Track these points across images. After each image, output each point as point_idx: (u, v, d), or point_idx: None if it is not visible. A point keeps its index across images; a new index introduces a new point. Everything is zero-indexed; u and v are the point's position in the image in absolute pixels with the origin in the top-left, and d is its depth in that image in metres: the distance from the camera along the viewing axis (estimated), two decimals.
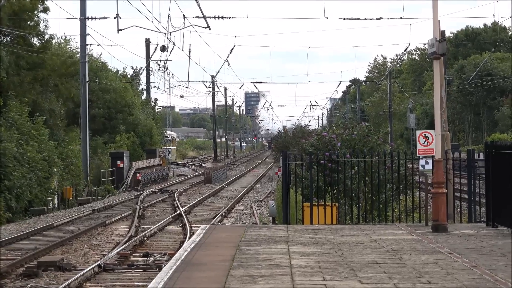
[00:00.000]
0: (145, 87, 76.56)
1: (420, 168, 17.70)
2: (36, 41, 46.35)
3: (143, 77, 76.01)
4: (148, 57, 71.74)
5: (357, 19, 45.74)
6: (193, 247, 14.30)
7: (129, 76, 75.16)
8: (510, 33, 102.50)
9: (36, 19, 45.68)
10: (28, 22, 44.98)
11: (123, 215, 34.50)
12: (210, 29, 44.52)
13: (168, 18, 46.74)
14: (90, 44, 51.12)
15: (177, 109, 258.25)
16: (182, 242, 23.01)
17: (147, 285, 12.67)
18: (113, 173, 54.21)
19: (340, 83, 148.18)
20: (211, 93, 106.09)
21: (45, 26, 46.48)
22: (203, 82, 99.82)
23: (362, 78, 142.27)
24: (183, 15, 53.41)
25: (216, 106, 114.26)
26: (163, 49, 56.49)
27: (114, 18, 46.14)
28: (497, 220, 16.75)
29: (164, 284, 10.79)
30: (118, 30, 46.83)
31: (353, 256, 12.90)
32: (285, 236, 15.65)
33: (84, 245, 25.11)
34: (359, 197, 19.90)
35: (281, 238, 15.34)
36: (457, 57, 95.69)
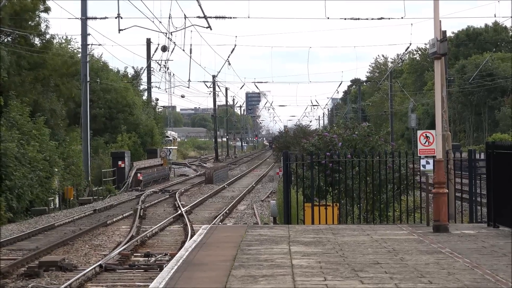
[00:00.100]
0: (146, 87, 76.57)
1: (421, 168, 17.70)
2: (37, 41, 46.38)
3: (144, 77, 76.09)
4: (149, 57, 71.75)
5: (358, 19, 45.78)
6: (194, 247, 14.30)
7: (130, 76, 75.14)
8: (511, 33, 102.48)
9: (37, 19, 45.71)
10: (29, 22, 45.01)
11: (124, 215, 34.51)
12: (211, 29, 44.56)
13: (169, 18, 46.85)
14: (91, 44, 51.18)
15: (178, 109, 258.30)
16: (183, 242, 23.02)
17: (148, 285, 12.67)
18: (114, 173, 54.22)
19: (341, 83, 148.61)
20: (212, 93, 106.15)
21: (46, 26, 46.54)
22: (204, 82, 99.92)
23: (363, 78, 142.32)
24: (184, 15, 53.39)
25: (217, 106, 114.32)
26: (164, 49, 56.50)
27: (115, 18, 46.23)
28: (498, 220, 16.75)
29: (165, 284, 10.80)
30: (119, 30, 46.89)
31: (354, 256, 12.90)
32: (286, 236, 15.65)
33: (85, 245, 25.12)
34: (360, 197, 19.90)
35: (282, 238, 15.34)
36: (458, 57, 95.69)
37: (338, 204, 19.83)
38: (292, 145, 59.48)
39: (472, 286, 10.24)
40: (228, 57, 66.20)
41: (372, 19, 46.22)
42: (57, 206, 41.21)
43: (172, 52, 71.71)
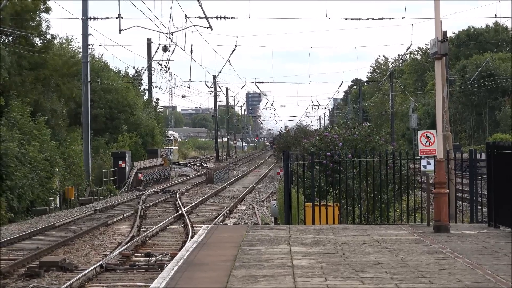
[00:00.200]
0: (147, 87, 76.58)
1: (422, 168, 17.69)
2: (38, 41, 46.42)
3: (144, 77, 76.10)
4: (150, 57, 71.77)
5: (359, 19, 45.80)
6: (195, 247, 14.30)
7: (131, 76, 75.17)
8: (511, 34, 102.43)
9: (38, 19, 45.76)
10: (30, 22, 45.05)
11: (125, 215, 34.51)
12: (212, 29, 44.57)
13: (170, 18, 46.74)
14: (92, 44, 51.21)
15: (179, 109, 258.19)
16: (184, 242, 23.01)
17: (149, 285, 12.68)
18: (115, 173, 54.23)
19: (342, 83, 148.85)
20: (213, 93, 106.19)
21: (47, 26, 46.58)
22: (205, 82, 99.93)
23: (364, 78, 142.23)
24: (185, 15, 53.49)
25: (218, 106, 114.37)
26: (165, 49, 56.52)
27: (116, 18, 46.24)
28: (499, 220, 16.75)
29: (166, 284, 10.80)
30: (120, 30, 46.92)
31: (355, 256, 12.90)
32: (287, 236, 15.65)
33: (86, 245, 25.12)
34: (361, 197, 19.89)
35: (283, 238, 15.34)
36: (459, 57, 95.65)
37: (338, 204, 19.83)
38: (293, 145, 59.53)
39: (472, 287, 10.24)
40: (229, 57, 66.29)
41: (373, 19, 46.27)
42: (58, 206, 41.23)
43: (173, 52, 71.74)
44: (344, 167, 19.61)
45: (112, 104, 63.86)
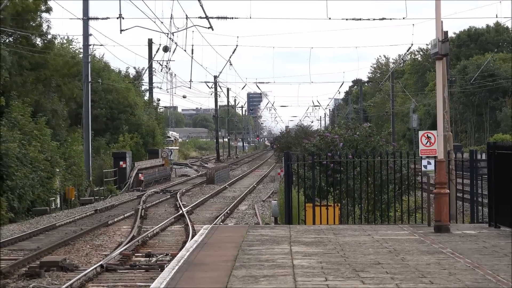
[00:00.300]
0: (147, 88, 76.60)
1: (423, 168, 17.69)
2: (38, 41, 46.44)
3: (145, 77, 76.09)
4: (150, 58, 71.76)
5: (360, 19, 45.81)
6: (196, 247, 14.30)
7: (131, 76, 75.20)
8: None
9: (38, 19, 45.79)
10: (31, 23, 45.06)
11: (125, 215, 34.52)
12: (212, 30, 44.63)
13: (171, 19, 46.77)
14: (93, 45, 51.20)
15: (179, 110, 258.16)
16: (185, 242, 23.02)
17: (149, 285, 12.67)
18: (116, 173, 54.24)
19: (342, 84, 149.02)
20: (213, 94, 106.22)
21: (48, 26, 46.60)
22: (206, 82, 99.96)
23: (365, 79, 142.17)
24: (186, 15, 53.54)
25: (218, 107, 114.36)
26: (166, 49, 56.54)
27: (117, 18, 46.23)
28: (499, 220, 16.75)
29: (167, 284, 10.80)
30: (121, 30, 46.94)
31: (355, 256, 12.90)
32: (287, 237, 15.64)
33: (86, 245, 25.13)
34: (362, 198, 19.89)
35: (283, 239, 15.33)
36: (459, 58, 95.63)
37: (339, 204, 19.82)
38: (294, 146, 59.53)
39: (473, 287, 10.24)
40: (230, 57, 66.40)
41: (374, 19, 46.28)
42: (58, 206, 41.24)
43: (173, 52, 71.64)
44: (345, 167, 19.60)
45: (113, 104, 63.87)
